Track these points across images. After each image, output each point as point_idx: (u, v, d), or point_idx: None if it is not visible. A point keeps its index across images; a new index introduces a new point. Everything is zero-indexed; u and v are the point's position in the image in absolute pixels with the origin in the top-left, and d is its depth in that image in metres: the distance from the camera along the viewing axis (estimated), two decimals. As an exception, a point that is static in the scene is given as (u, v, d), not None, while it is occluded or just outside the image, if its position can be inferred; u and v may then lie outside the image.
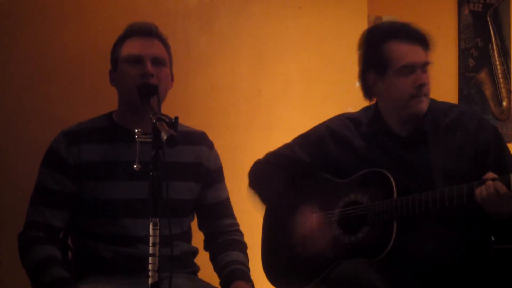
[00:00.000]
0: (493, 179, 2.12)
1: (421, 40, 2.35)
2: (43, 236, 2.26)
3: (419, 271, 2.27)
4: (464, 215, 2.23)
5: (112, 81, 2.38)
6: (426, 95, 2.35)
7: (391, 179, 2.31)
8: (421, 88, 2.32)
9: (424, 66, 2.34)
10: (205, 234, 2.52)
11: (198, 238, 2.52)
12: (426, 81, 2.33)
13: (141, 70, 2.27)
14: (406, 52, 2.33)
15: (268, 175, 2.59)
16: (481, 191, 2.12)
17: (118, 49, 2.35)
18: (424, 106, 2.35)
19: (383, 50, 2.35)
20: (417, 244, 2.29)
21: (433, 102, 2.43)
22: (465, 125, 2.37)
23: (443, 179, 2.28)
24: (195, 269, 2.43)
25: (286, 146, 2.63)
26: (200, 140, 2.46)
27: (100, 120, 2.40)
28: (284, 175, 2.56)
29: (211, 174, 2.46)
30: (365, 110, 2.55)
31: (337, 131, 2.52)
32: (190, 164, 2.39)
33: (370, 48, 2.41)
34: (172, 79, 2.41)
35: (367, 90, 2.46)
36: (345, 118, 2.55)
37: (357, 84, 2.52)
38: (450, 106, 2.46)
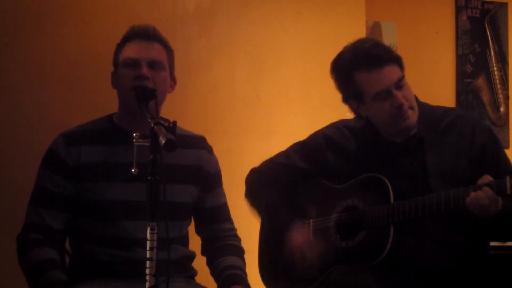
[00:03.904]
0: (490, 183, 2.12)
1: (388, 59, 2.31)
2: (42, 238, 2.26)
3: (416, 275, 2.27)
4: (462, 218, 2.23)
5: (113, 84, 2.39)
6: (412, 107, 2.34)
7: (388, 184, 2.31)
8: (400, 108, 2.31)
9: (397, 83, 2.31)
10: (202, 239, 2.52)
11: (195, 243, 2.52)
12: (403, 100, 2.30)
13: (137, 73, 2.27)
14: (375, 80, 2.30)
15: (263, 187, 2.58)
16: (471, 201, 2.12)
17: (118, 52, 2.36)
18: (410, 120, 2.34)
19: (353, 82, 2.35)
20: (415, 248, 2.29)
21: (427, 106, 2.44)
22: (461, 128, 2.38)
23: (441, 183, 2.28)
24: (192, 273, 2.43)
25: (283, 154, 2.63)
26: (199, 144, 2.47)
27: (100, 122, 2.40)
28: (280, 185, 2.56)
29: (210, 178, 2.46)
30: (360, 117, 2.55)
31: (334, 138, 2.53)
32: (190, 167, 2.40)
33: (341, 80, 2.40)
34: (174, 82, 2.42)
35: (354, 112, 2.47)
36: (341, 126, 2.55)
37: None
38: (445, 110, 2.46)
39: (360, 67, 2.32)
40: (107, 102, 2.45)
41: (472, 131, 2.37)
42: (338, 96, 2.45)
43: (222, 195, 2.52)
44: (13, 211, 2.57)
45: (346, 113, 2.57)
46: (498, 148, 2.39)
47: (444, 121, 2.40)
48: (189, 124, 2.50)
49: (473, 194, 2.12)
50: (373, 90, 2.31)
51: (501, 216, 2.15)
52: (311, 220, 2.50)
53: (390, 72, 2.30)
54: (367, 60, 2.31)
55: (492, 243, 2.45)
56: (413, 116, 2.35)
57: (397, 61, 2.34)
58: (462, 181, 2.22)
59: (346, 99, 2.45)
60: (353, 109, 2.46)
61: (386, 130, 2.41)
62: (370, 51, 2.32)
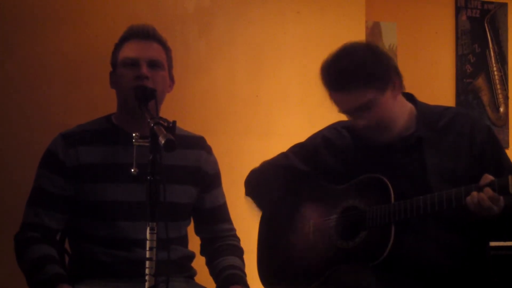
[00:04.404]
0: (492, 182, 2.12)
1: (353, 84, 2.27)
2: (39, 237, 2.26)
3: (417, 275, 2.27)
4: (463, 218, 2.23)
5: (111, 84, 2.39)
6: (383, 127, 2.32)
7: (388, 184, 2.31)
8: (364, 127, 2.31)
9: (363, 106, 2.28)
10: (201, 239, 2.52)
11: (194, 243, 2.52)
12: (363, 123, 2.30)
13: (136, 72, 2.27)
14: (337, 101, 2.34)
15: (265, 182, 2.59)
16: (472, 202, 2.12)
17: (117, 52, 2.36)
18: (378, 136, 2.33)
19: (330, 97, 2.38)
20: (415, 248, 2.29)
21: (425, 106, 2.44)
22: (459, 127, 2.37)
23: (440, 182, 2.28)
24: (192, 273, 2.43)
25: (282, 155, 2.63)
26: (199, 144, 2.47)
27: (99, 122, 2.40)
28: (281, 181, 2.57)
29: (209, 179, 2.46)
30: None
31: (333, 140, 2.53)
32: (189, 168, 2.40)
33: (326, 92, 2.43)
34: (173, 82, 2.42)
35: None
36: (340, 127, 2.55)
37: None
38: (443, 108, 2.46)
39: (330, 86, 2.34)
40: (107, 102, 2.45)
41: (471, 129, 2.36)
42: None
43: (221, 195, 2.52)
44: (12, 211, 2.57)
45: (345, 113, 2.56)
46: (498, 146, 2.39)
47: (442, 120, 2.40)
48: (188, 124, 2.50)
49: (474, 194, 2.12)
50: (338, 109, 2.35)
51: (502, 215, 2.15)
52: (311, 221, 2.50)
53: (356, 96, 2.28)
54: (334, 81, 2.32)
55: (492, 244, 2.45)
56: (387, 133, 2.33)
57: (369, 83, 2.27)
58: (462, 180, 2.22)
59: None
60: None
61: None
62: (340, 73, 2.30)
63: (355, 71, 2.28)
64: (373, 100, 2.28)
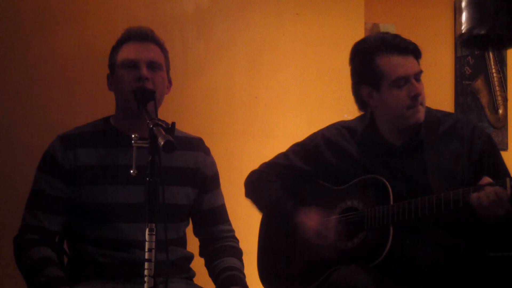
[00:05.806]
0: (490, 184, 2.12)
1: (411, 50, 2.37)
2: (38, 239, 2.26)
3: (415, 276, 2.28)
4: (462, 220, 2.23)
5: (109, 86, 2.39)
6: (422, 104, 2.37)
7: (387, 185, 2.32)
8: (416, 98, 2.34)
9: (417, 75, 2.36)
10: (200, 240, 2.52)
11: (193, 244, 2.52)
12: (421, 91, 2.35)
13: (136, 74, 2.27)
14: (398, 64, 2.34)
15: (264, 182, 2.60)
16: (479, 197, 2.13)
17: (115, 54, 2.36)
18: (421, 115, 2.36)
19: (376, 64, 2.36)
20: (414, 250, 2.30)
21: (428, 110, 2.45)
22: (460, 132, 2.39)
23: (440, 185, 2.29)
24: (190, 274, 2.43)
25: (282, 155, 2.64)
26: (197, 145, 2.47)
27: (97, 124, 2.40)
28: (280, 182, 2.57)
29: (208, 180, 2.46)
30: (360, 119, 2.56)
31: (333, 139, 2.53)
32: (187, 169, 2.40)
33: (362, 62, 2.41)
34: (170, 83, 2.42)
35: (362, 102, 2.48)
36: (340, 127, 2.56)
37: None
38: (445, 114, 2.48)
39: (387, 49, 2.35)
40: (107, 103, 2.45)
41: (471, 135, 2.38)
42: (336, 97, 2.46)
43: (220, 196, 2.52)
44: (12, 212, 2.57)
45: (344, 114, 2.57)
46: (496, 153, 2.40)
47: (444, 124, 2.42)
48: (187, 125, 2.50)
49: (482, 193, 2.12)
50: (395, 74, 2.34)
51: (506, 220, 2.15)
52: (310, 222, 2.50)
53: (413, 62, 2.36)
54: (395, 44, 2.36)
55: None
56: (423, 113, 2.36)
57: (419, 56, 2.41)
58: (461, 184, 2.22)
59: (357, 87, 2.45)
60: (363, 98, 2.45)
61: (391, 127, 2.41)
62: (398, 37, 2.38)
63: (410, 42, 2.39)
64: (421, 74, 2.38)
